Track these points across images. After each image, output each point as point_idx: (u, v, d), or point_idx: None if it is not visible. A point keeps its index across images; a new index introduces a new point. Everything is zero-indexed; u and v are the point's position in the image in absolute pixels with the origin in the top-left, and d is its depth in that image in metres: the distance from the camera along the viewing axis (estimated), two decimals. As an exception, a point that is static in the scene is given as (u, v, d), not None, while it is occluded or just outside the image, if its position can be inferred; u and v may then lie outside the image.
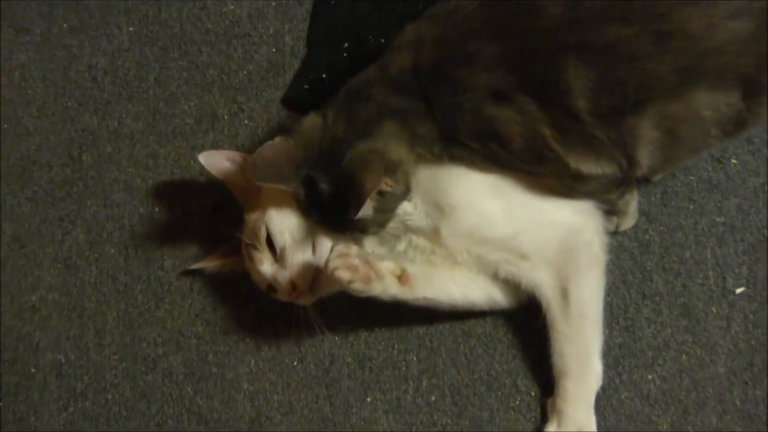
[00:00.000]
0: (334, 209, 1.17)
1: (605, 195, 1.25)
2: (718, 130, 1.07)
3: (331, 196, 1.16)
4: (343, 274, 1.14)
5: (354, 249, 1.17)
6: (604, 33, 1.03)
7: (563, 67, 1.05)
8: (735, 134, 1.09)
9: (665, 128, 1.07)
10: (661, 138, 1.08)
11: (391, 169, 1.15)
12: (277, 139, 1.19)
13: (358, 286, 1.16)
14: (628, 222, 1.36)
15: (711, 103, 1.04)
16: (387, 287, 1.21)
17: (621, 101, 1.05)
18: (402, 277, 1.24)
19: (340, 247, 1.16)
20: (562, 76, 1.05)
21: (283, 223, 1.26)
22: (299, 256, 1.26)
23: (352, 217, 1.14)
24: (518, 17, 1.09)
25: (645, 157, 1.10)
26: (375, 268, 1.19)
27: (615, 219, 1.34)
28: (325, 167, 1.16)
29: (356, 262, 1.16)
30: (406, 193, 1.20)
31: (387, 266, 1.23)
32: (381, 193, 1.16)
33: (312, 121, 1.21)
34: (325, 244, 1.26)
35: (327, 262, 1.15)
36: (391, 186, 1.15)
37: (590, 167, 1.13)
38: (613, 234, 1.36)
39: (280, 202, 1.27)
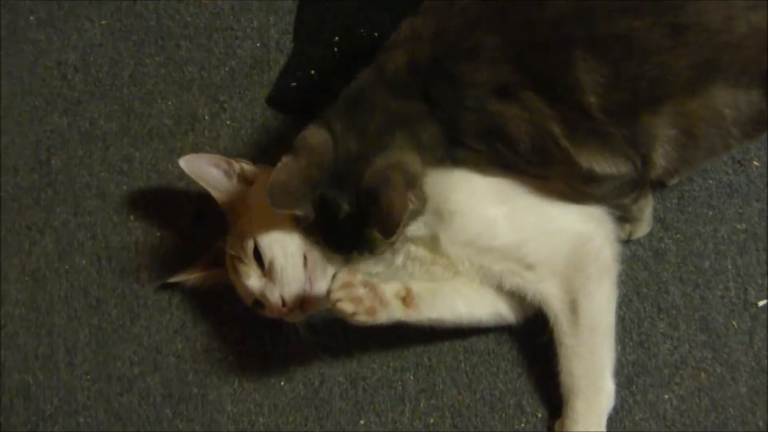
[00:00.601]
0: (350, 230, 1.16)
1: (618, 199, 1.26)
2: (738, 130, 1.07)
3: (349, 216, 1.16)
4: (347, 307, 1.14)
5: (358, 276, 1.16)
6: (614, 25, 1.03)
7: (572, 62, 1.05)
8: (756, 135, 1.10)
9: (682, 127, 1.07)
10: (677, 137, 1.08)
11: (412, 183, 1.14)
12: (285, 160, 1.16)
13: (362, 319, 1.16)
14: (643, 229, 1.37)
15: (731, 100, 1.04)
16: (392, 313, 1.20)
17: (634, 97, 1.06)
18: (407, 298, 1.23)
19: (344, 275, 1.15)
20: (570, 71, 1.06)
21: (273, 235, 1.26)
22: (289, 271, 1.25)
23: (392, 241, 1.15)
24: (521, 8, 1.09)
25: (661, 158, 1.11)
26: (380, 294, 1.18)
27: (628, 226, 1.34)
28: (341, 186, 1.15)
29: (361, 292, 1.15)
30: (423, 207, 1.20)
31: (391, 289, 1.22)
32: None
33: (319, 136, 1.18)
34: (318, 258, 1.26)
35: (329, 292, 1.14)
36: (414, 202, 1.14)
37: (604, 166, 1.13)
38: (627, 242, 1.36)
39: (269, 212, 1.26)
